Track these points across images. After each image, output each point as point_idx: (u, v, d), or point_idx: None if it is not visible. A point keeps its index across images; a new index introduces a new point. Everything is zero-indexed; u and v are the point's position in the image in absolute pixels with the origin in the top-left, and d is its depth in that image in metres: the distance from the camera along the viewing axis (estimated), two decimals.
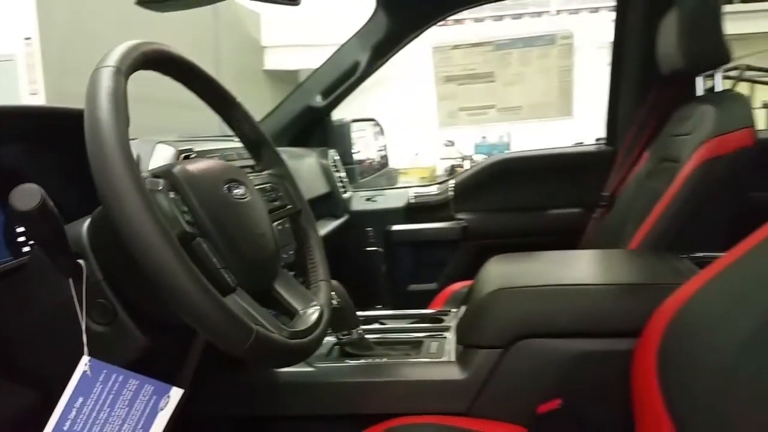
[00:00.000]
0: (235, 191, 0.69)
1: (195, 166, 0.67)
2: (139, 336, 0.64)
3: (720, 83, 1.48)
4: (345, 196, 1.91)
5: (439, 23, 1.85)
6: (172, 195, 0.61)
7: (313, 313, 0.71)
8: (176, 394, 0.65)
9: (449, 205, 2.02)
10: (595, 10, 6.32)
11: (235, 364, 1.03)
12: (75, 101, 0.75)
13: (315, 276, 0.82)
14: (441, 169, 5.88)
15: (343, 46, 1.81)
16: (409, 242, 2.04)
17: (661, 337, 0.85)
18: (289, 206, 0.84)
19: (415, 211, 2.04)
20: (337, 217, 1.84)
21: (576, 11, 7.04)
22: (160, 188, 0.61)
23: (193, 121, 1.49)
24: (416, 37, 1.80)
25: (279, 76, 5.70)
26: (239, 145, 0.90)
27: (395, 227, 2.03)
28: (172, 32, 2.26)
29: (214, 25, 3.94)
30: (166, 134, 1.03)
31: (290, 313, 0.72)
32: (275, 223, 0.79)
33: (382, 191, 2.14)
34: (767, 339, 0.68)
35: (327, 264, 0.85)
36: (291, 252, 0.83)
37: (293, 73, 5.94)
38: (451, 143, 6.02)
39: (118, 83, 0.57)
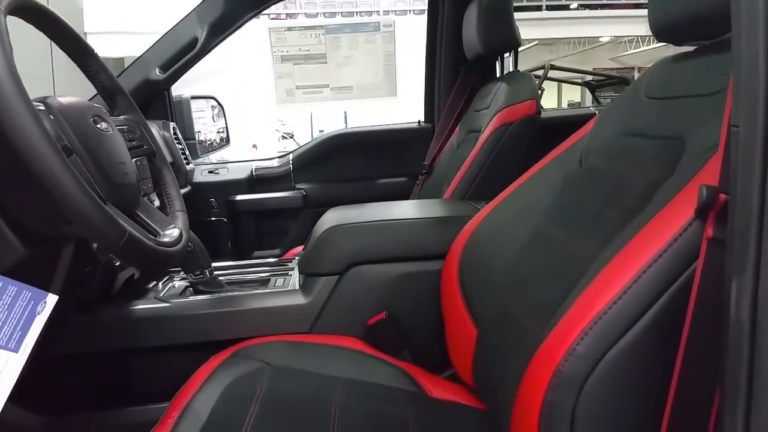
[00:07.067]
0: (100, 125, 0.78)
1: (65, 99, 0.75)
2: (17, 245, 0.71)
3: (511, 64, 1.79)
4: (188, 167, 1.96)
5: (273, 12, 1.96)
6: (51, 117, 0.70)
7: (173, 232, 0.83)
8: (52, 299, 0.72)
9: (290, 177, 2.17)
10: (421, 12, 6.84)
11: (90, 302, 1.09)
12: None
13: (172, 208, 0.93)
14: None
15: (181, 21, 1.85)
16: (252, 211, 2.15)
17: (460, 257, 1.09)
18: (145, 146, 0.93)
19: (257, 183, 2.16)
20: (179, 187, 1.88)
21: (403, 12, 7.53)
22: (42, 109, 0.69)
23: None
24: (253, 17, 1.90)
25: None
26: None
27: (239, 197, 2.12)
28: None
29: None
30: None
31: (153, 234, 0.83)
32: (134, 160, 0.88)
33: (224, 165, 2.21)
34: (534, 246, 0.92)
35: (182, 198, 0.95)
36: (150, 185, 0.92)
37: (118, 61, 5.67)
38: (290, 135, 6.14)
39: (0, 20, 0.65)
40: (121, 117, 0.93)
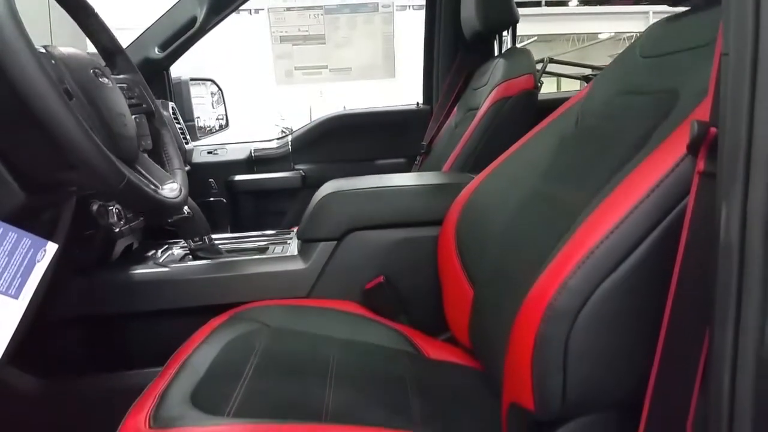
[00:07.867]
0: (101, 78, 0.79)
1: (66, 50, 0.75)
2: (17, 190, 0.71)
3: (509, 41, 1.80)
4: (187, 147, 1.96)
5: None
6: (53, 62, 0.70)
7: (172, 185, 0.83)
8: (52, 247, 0.73)
9: (288, 158, 2.18)
10: (420, 8, 6.85)
11: (88, 266, 1.10)
12: None
13: (171, 165, 0.93)
14: None
15: (180, 0, 1.86)
16: (251, 191, 2.15)
17: (457, 222, 1.09)
18: (144, 105, 0.94)
19: (256, 163, 2.16)
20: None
21: (403, 8, 7.54)
22: (44, 53, 0.69)
23: None
24: None
25: None
26: None
27: (238, 177, 2.13)
28: None
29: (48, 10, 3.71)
30: None
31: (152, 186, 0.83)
32: (133, 117, 0.89)
33: (223, 146, 2.22)
34: (530, 205, 0.93)
35: (181, 157, 0.96)
36: (149, 142, 0.93)
37: None
38: (290, 131, 6.17)
39: None
40: (121, 76, 0.94)
